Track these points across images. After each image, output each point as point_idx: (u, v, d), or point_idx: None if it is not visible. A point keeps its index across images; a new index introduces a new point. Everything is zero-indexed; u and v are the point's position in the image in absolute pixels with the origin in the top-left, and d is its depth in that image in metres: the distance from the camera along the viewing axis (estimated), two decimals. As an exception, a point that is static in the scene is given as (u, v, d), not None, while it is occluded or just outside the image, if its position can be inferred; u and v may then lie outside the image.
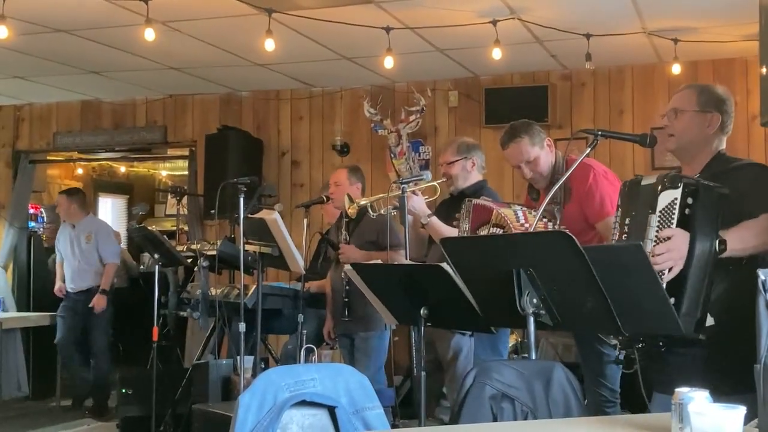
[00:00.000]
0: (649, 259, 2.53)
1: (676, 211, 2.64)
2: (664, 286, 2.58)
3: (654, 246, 2.62)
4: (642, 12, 5.72)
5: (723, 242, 2.64)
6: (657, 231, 2.65)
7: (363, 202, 4.93)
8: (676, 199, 2.65)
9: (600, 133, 3.18)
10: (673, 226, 2.64)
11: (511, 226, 3.69)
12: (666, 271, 2.59)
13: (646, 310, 2.60)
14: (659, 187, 2.70)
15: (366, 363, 4.98)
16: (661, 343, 2.69)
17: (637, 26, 6.04)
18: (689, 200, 2.64)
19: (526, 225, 3.64)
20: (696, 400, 1.81)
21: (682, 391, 1.84)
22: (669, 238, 2.61)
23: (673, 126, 3.01)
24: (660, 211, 2.67)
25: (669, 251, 2.60)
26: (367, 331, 5.06)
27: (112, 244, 7.59)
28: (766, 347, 1.78)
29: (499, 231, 3.74)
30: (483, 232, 3.82)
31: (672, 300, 2.55)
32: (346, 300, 5.01)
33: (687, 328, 2.58)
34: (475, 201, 3.96)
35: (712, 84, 3.17)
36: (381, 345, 5.13)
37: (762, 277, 1.79)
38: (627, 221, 2.83)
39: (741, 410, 1.67)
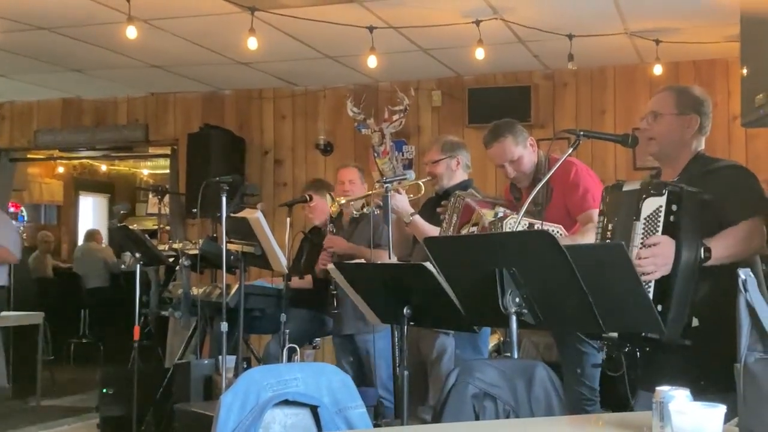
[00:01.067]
0: (632, 259, 2.55)
1: (662, 219, 2.66)
2: (651, 291, 2.60)
3: (640, 250, 2.64)
4: (624, 13, 5.75)
5: (708, 250, 2.67)
6: (642, 238, 2.66)
7: (344, 201, 4.92)
8: (660, 206, 2.67)
9: (582, 133, 3.19)
10: (659, 233, 2.66)
11: (485, 220, 3.69)
12: (651, 276, 2.61)
13: (627, 309, 2.61)
14: (643, 194, 2.71)
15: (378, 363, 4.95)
16: (647, 348, 2.70)
17: (619, 27, 6.07)
18: (674, 207, 2.66)
19: (501, 215, 3.64)
20: (677, 398, 1.82)
21: (663, 389, 1.85)
22: (655, 245, 2.63)
23: (653, 129, 3.03)
24: (645, 219, 2.69)
25: (654, 256, 2.63)
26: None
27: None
28: (746, 346, 1.79)
29: (475, 229, 3.75)
30: (463, 231, 3.83)
31: (659, 307, 2.58)
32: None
33: (674, 333, 2.60)
34: (467, 199, 3.96)
35: (689, 85, 3.18)
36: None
37: (742, 276, 1.81)
38: (610, 227, 2.85)
39: (721, 409, 1.68)
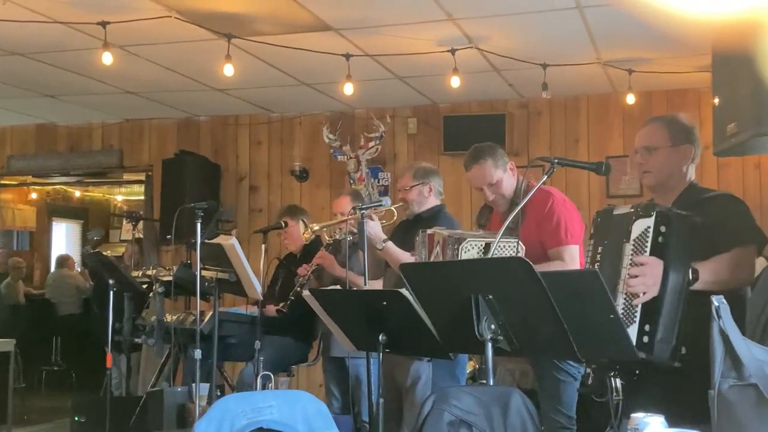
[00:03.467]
0: (605, 286, 2.55)
1: (650, 239, 2.67)
2: (638, 311, 2.60)
3: (628, 270, 2.64)
4: (597, 43, 5.81)
5: (696, 272, 2.68)
6: (631, 258, 2.67)
7: (317, 227, 4.92)
8: (649, 227, 2.68)
9: (557, 161, 3.21)
10: (647, 253, 2.67)
11: (443, 234, 3.70)
12: (640, 295, 2.62)
13: (602, 336, 2.61)
14: (633, 216, 2.73)
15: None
16: (637, 371, 2.70)
17: (592, 57, 6.14)
18: (662, 228, 2.67)
19: (456, 235, 3.64)
20: (651, 425, 1.82)
21: (638, 416, 1.85)
22: (643, 265, 2.64)
23: (649, 163, 3.05)
24: (634, 240, 2.69)
25: (643, 275, 2.63)
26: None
27: None
28: (720, 373, 1.80)
29: (438, 248, 3.75)
30: (432, 257, 3.83)
31: (647, 327, 2.58)
32: None
33: (662, 354, 2.60)
34: (428, 231, 3.96)
35: (675, 114, 3.21)
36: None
37: (715, 303, 1.82)
38: (600, 250, 2.85)
39: (696, 435, 1.69)
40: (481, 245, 3.46)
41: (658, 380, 2.72)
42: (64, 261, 10.93)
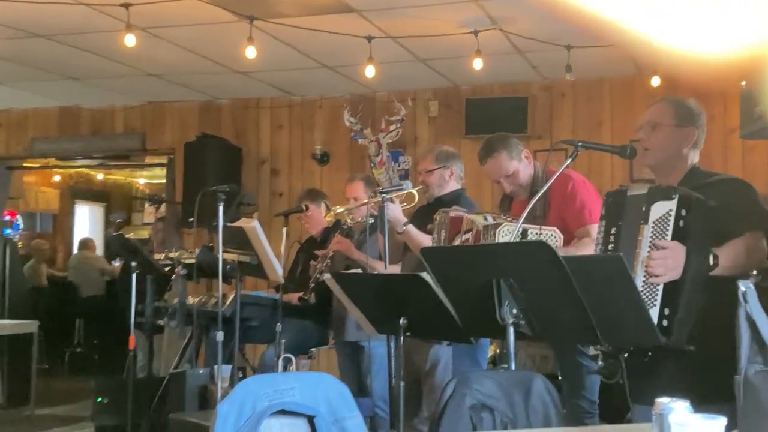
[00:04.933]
0: (629, 271, 2.53)
1: (671, 223, 2.63)
2: (659, 295, 2.58)
3: (649, 252, 2.61)
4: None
5: (716, 257, 2.65)
6: (651, 242, 2.63)
7: (340, 210, 4.91)
8: (671, 210, 2.64)
9: (581, 144, 3.18)
10: (668, 237, 2.63)
11: (478, 224, 3.68)
12: (659, 279, 2.60)
13: (625, 322, 2.59)
14: (651, 198, 2.69)
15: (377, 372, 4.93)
16: (649, 353, 2.68)
17: (617, 39, 6.07)
18: (683, 212, 2.63)
19: (494, 222, 3.62)
20: (677, 410, 1.80)
21: (663, 401, 1.83)
22: (666, 248, 2.61)
23: (650, 140, 3.00)
24: (654, 222, 2.66)
25: (665, 258, 2.60)
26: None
27: None
28: (747, 358, 1.78)
29: (470, 236, 3.73)
30: (457, 241, 3.82)
31: (666, 311, 2.56)
32: None
33: (678, 338, 2.58)
34: (451, 213, 3.95)
35: (685, 98, 3.17)
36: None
37: (742, 288, 1.80)
38: (613, 231, 2.81)
39: (722, 421, 1.66)
40: (519, 231, 3.43)
41: (669, 363, 2.70)
42: (84, 243, 11.01)
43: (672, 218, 2.63)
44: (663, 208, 2.65)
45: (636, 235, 2.68)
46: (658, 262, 2.59)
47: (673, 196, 2.65)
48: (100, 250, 11.98)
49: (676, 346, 2.59)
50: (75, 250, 11.79)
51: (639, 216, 2.69)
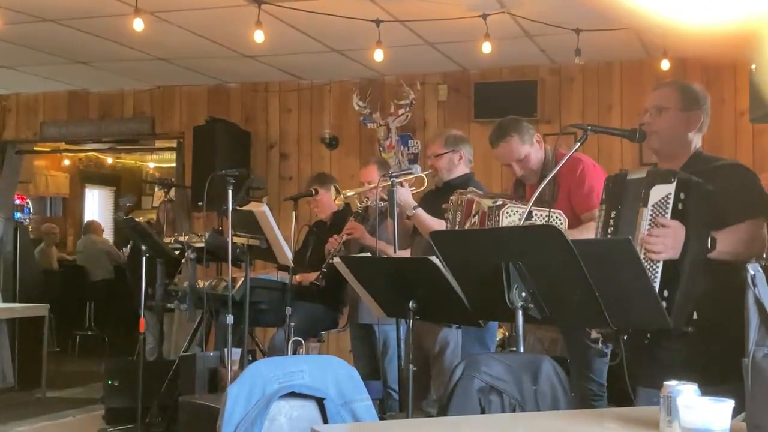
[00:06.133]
0: (639, 254, 2.54)
1: (670, 206, 2.65)
2: (659, 275, 2.59)
3: (650, 230, 2.63)
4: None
5: (714, 240, 2.67)
6: (650, 225, 2.65)
7: (350, 193, 4.92)
8: (670, 193, 2.66)
9: (590, 128, 3.17)
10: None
11: (483, 206, 3.68)
12: (658, 255, 2.61)
13: (634, 305, 2.61)
14: (650, 182, 2.70)
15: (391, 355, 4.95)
16: (648, 335, 2.70)
17: (626, 21, 6.05)
18: (682, 195, 2.65)
19: (499, 203, 3.62)
20: (684, 393, 1.81)
21: (671, 384, 1.85)
22: (666, 227, 2.62)
23: (656, 123, 3.01)
24: (653, 205, 2.67)
25: (665, 236, 2.61)
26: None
27: None
28: (755, 341, 1.78)
29: (476, 219, 3.74)
30: (467, 224, 3.83)
31: (665, 293, 2.58)
32: None
33: (678, 320, 2.60)
34: (468, 195, 3.95)
35: (690, 83, 3.18)
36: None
37: (751, 271, 1.80)
38: (613, 215, 2.84)
39: (729, 404, 1.68)
40: (523, 212, 3.43)
41: (668, 344, 2.72)
42: (89, 226, 10.97)
43: (671, 201, 2.65)
44: (662, 192, 2.67)
45: (635, 218, 2.70)
46: (658, 239, 2.61)
47: (672, 179, 2.67)
48: (109, 233, 12.01)
49: (676, 328, 2.60)
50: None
51: (638, 199, 2.72)
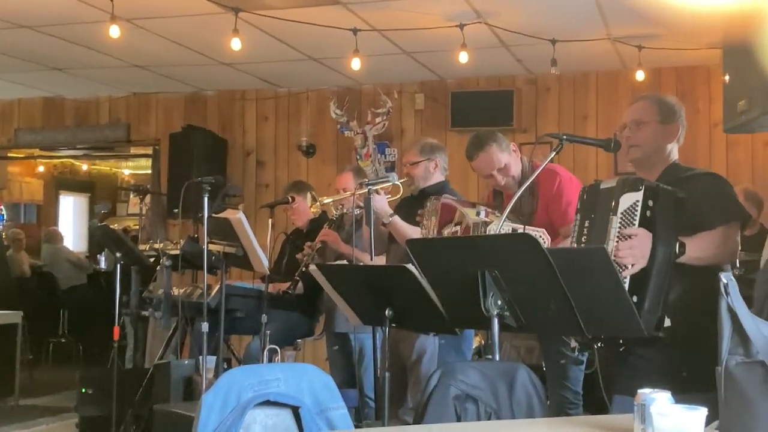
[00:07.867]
0: (613, 262, 2.56)
1: (638, 213, 2.71)
2: (627, 282, 2.63)
3: (617, 243, 2.67)
4: (607, 18, 5.78)
5: (683, 245, 2.73)
6: (619, 232, 2.69)
7: (327, 201, 4.91)
8: (637, 201, 2.72)
9: (565, 137, 3.20)
10: (635, 227, 2.70)
11: (468, 219, 3.70)
12: (629, 267, 2.66)
13: (609, 313, 2.63)
14: (619, 190, 2.75)
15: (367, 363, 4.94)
16: (621, 342, 2.73)
17: (602, 32, 6.10)
18: (650, 202, 2.71)
19: (486, 219, 3.64)
20: (658, 400, 1.82)
21: (645, 392, 1.85)
22: (631, 237, 2.66)
23: (636, 137, 3.08)
24: (621, 213, 2.73)
25: (632, 248, 2.67)
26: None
27: None
28: (728, 349, 1.80)
29: (458, 229, 3.75)
30: (446, 231, 3.84)
31: (635, 298, 2.61)
32: None
33: (648, 326, 2.63)
34: (443, 200, 3.97)
35: (664, 95, 3.25)
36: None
37: (724, 280, 1.81)
38: (586, 224, 2.89)
39: (702, 411, 1.69)
40: (509, 230, 3.45)
41: (643, 352, 2.76)
42: (51, 235, 10.70)
43: (639, 209, 2.71)
44: (630, 200, 2.73)
45: (606, 226, 2.74)
46: (627, 252, 2.66)
47: (640, 187, 2.73)
48: (84, 240, 11.89)
49: (646, 334, 2.63)
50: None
51: (609, 208, 2.76)
